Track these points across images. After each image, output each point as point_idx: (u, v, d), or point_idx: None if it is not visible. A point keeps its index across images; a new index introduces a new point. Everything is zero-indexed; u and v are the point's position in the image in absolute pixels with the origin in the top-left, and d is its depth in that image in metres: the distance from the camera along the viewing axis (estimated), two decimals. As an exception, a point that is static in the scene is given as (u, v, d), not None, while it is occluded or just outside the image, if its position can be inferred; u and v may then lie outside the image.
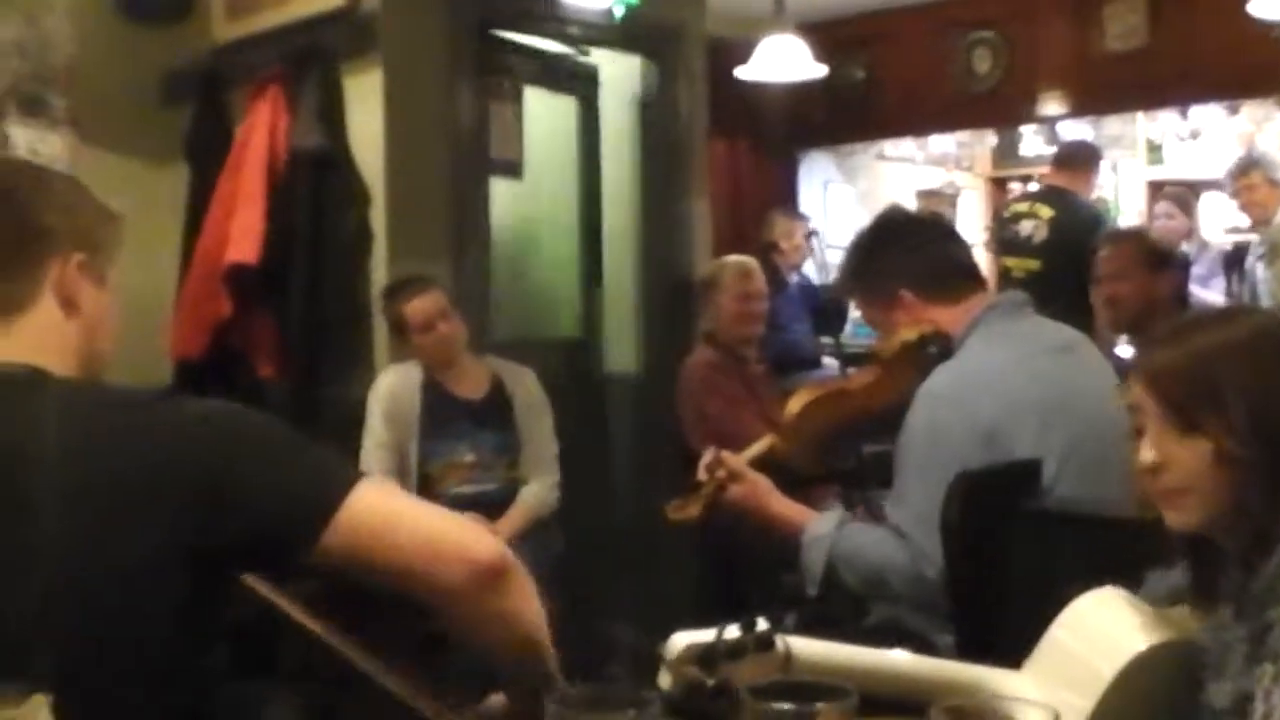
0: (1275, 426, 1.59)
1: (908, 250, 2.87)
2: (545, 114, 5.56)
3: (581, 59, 5.57)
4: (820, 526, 2.71)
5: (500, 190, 5.17)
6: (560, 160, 5.68)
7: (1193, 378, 1.65)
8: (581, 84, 5.66)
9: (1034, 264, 6.07)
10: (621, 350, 5.86)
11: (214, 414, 1.69)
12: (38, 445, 1.56)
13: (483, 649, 1.76)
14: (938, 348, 2.73)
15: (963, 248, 2.98)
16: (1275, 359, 1.65)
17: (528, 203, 5.47)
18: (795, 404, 2.85)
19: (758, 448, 2.81)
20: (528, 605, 1.73)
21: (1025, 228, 6.21)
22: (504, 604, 1.70)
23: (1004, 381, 2.62)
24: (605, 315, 5.77)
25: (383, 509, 1.67)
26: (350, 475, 1.67)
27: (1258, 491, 1.58)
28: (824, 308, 7.05)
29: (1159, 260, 4.51)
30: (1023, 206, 6.45)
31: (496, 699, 1.84)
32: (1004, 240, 6.43)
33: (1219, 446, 1.59)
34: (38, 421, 1.59)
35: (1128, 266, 4.48)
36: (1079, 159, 6.59)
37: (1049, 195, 6.44)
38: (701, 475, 2.78)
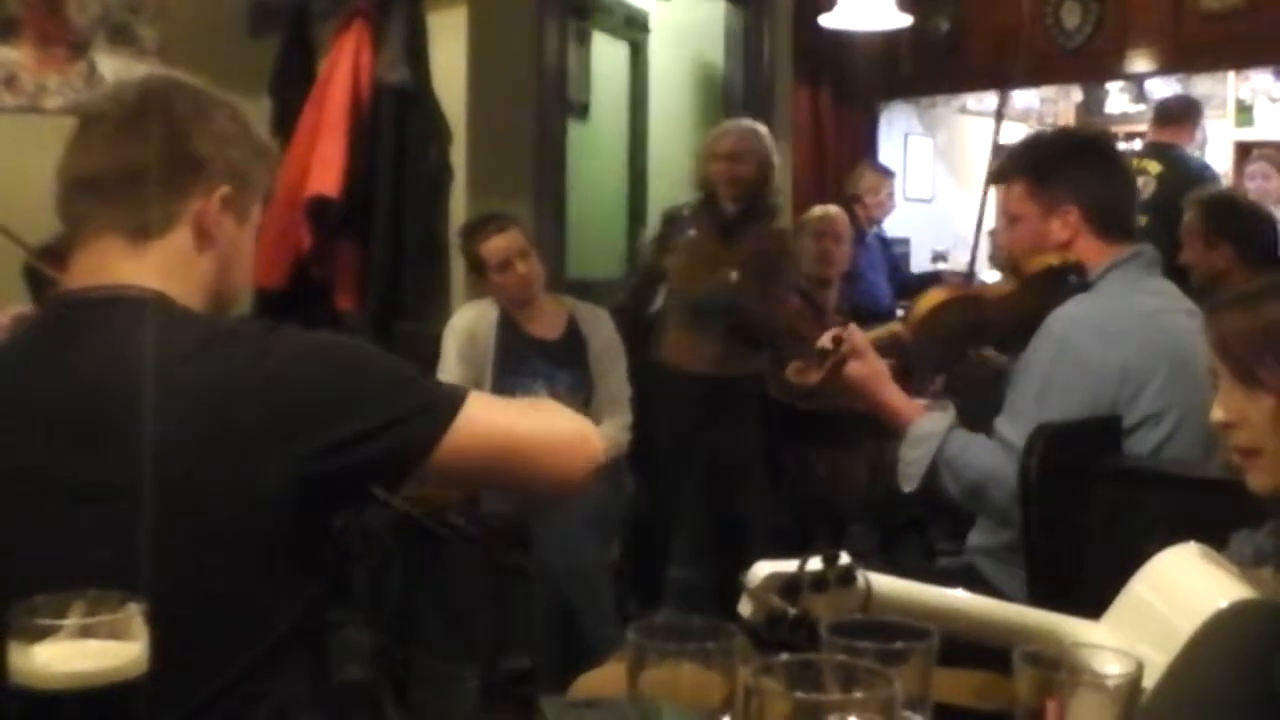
0: None
1: (1100, 176, 2.82)
2: (606, 57, 5.56)
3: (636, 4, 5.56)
4: (930, 425, 2.68)
5: (585, 130, 5.17)
6: (620, 103, 5.66)
7: (1255, 336, 1.64)
8: (636, 29, 5.64)
9: (1142, 219, 6.01)
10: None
11: (326, 344, 1.72)
12: (156, 368, 1.58)
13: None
14: (1077, 279, 2.70)
15: (1134, 195, 2.94)
16: None
17: (591, 145, 5.45)
18: (929, 301, 2.82)
19: (882, 331, 2.80)
20: None
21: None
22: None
23: (1146, 326, 2.61)
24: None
25: (496, 420, 1.75)
26: (459, 392, 1.73)
27: None
28: (898, 264, 7.08)
29: (1213, 232, 4.49)
30: (1130, 163, 6.38)
31: None
32: None
33: None
34: (157, 345, 1.60)
35: (1189, 237, 4.51)
36: (1182, 114, 6.51)
37: (1156, 151, 6.37)
38: (827, 344, 2.75)
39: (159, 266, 1.71)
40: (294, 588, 1.66)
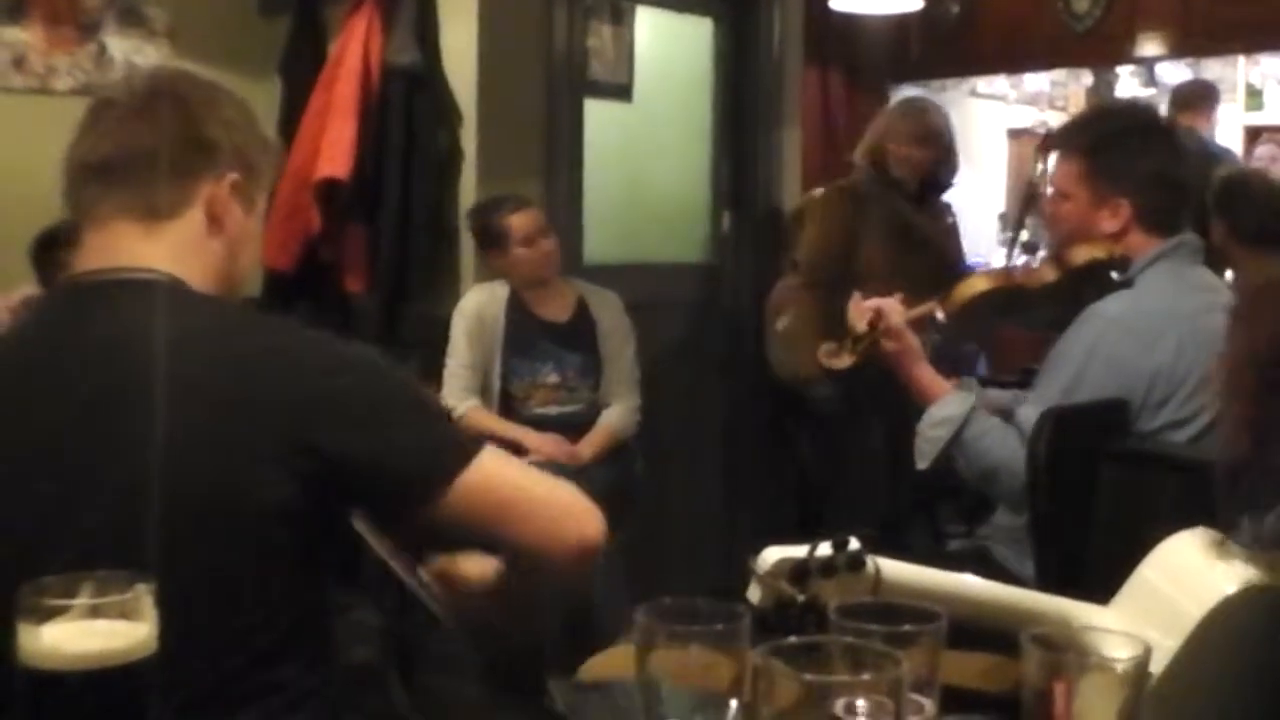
0: None
1: (1157, 169, 2.78)
2: (672, 36, 5.54)
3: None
4: (950, 408, 2.70)
5: (605, 112, 5.15)
6: (684, 83, 5.65)
7: None
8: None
9: None
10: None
11: (357, 357, 1.72)
12: (168, 350, 1.58)
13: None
14: (1120, 274, 2.69)
15: (1189, 187, 2.89)
16: None
17: (640, 126, 5.43)
18: (971, 287, 2.83)
19: (920, 310, 2.82)
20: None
21: None
22: (585, 567, 1.79)
23: (1184, 327, 2.59)
24: (729, 241, 5.76)
25: (500, 482, 1.73)
26: (473, 445, 1.72)
27: None
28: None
29: (1212, 208, 4.47)
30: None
31: (472, 562, 1.89)
32: None
33: None
34: (178, 330, 1.61)
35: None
36: (1199, 98, 6.51)
37: None
38: (860, 325, 2.76)
39: (171, 249, 1.72)
40: (304, 574, 1.67)
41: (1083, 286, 2.68)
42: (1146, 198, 2.72)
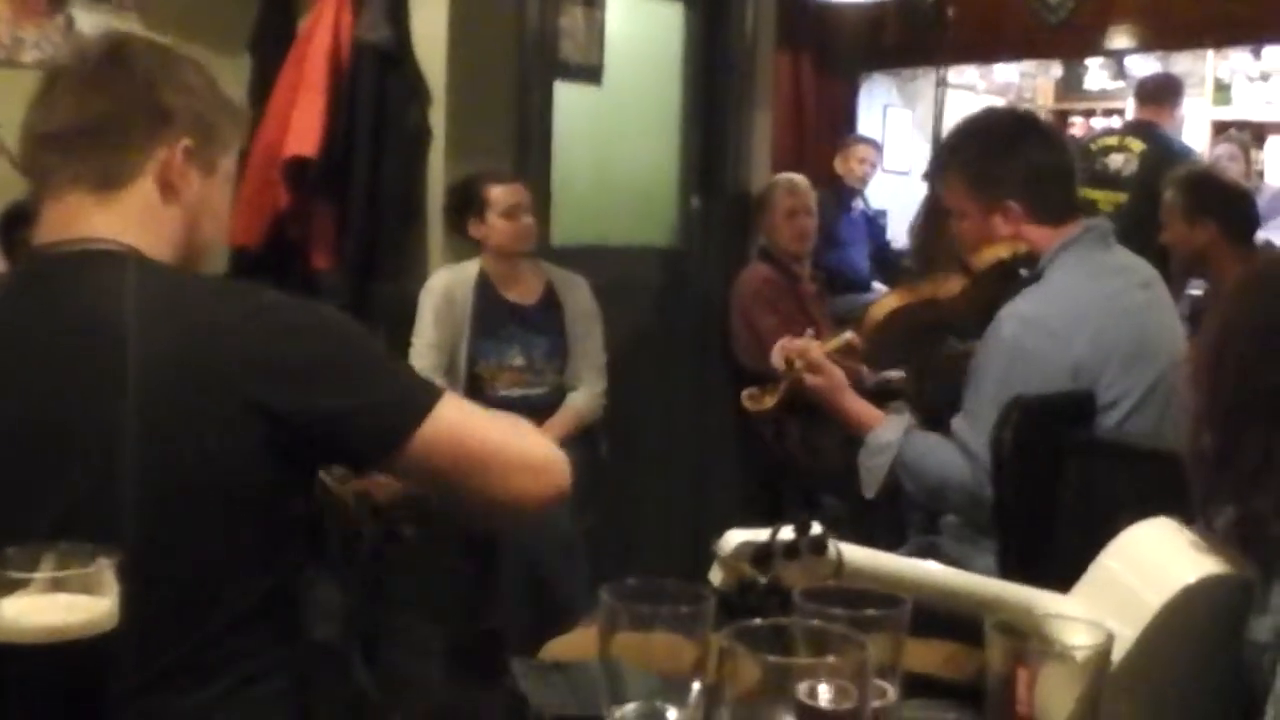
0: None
1: (1034, 161, 2.80)
2: (644, 19, 5.53)
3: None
4: (886, 433, 2.72)
5: (576, 95, 5.14)
6: (657, 66, 5.64)
7: None
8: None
9: (1121, 197, 6.03)
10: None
11: (316, 317, 1.71)
12: (130, 321, 1.58)
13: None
14: (1029, 270, 2.71)
15: (1073, 170, 2.92)
16: None
17: (610, 109, 5.42)
18: (882, 308, 2.85)
19: (837, 341, 2.83)
20: None
21: (1115, 161, 6.17)
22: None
23: (1097, 317, 2.60)
24: (698, 225, 5.75)
25: (467, 425, 1.73)
26: (434, 392, 1.72)
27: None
28: (883, 240, 7.15)
29: (1195, 210, 4.51)
30: (1112, 140, 6.40)
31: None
32: (1091, 173, 6.38)
33: None
34: (134, 300, 1.60)
35: (1169, 216, 4.53)
36: (1163, 93, 6.53)
37: (1139, 129, 6.40)
38: (779, 364, 2.78)
39: (126, 218, 1.71)
40: (267, 550, 1.67)
41: (994, 290, 2.70)
42: (1032, 193, 2.75)
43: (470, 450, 1.71)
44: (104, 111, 1.71)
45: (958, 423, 2.63)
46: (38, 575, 1.09)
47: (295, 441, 1.62)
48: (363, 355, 1.72)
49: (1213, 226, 4.49)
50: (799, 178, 5.62)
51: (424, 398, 1.70)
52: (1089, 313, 2.60)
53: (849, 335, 2.83)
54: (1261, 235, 6.14)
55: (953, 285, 2.85)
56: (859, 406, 2.80)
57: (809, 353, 2.76)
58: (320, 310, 1.76)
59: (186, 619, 1.58)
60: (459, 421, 1.71)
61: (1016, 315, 2.61)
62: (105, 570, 1.11)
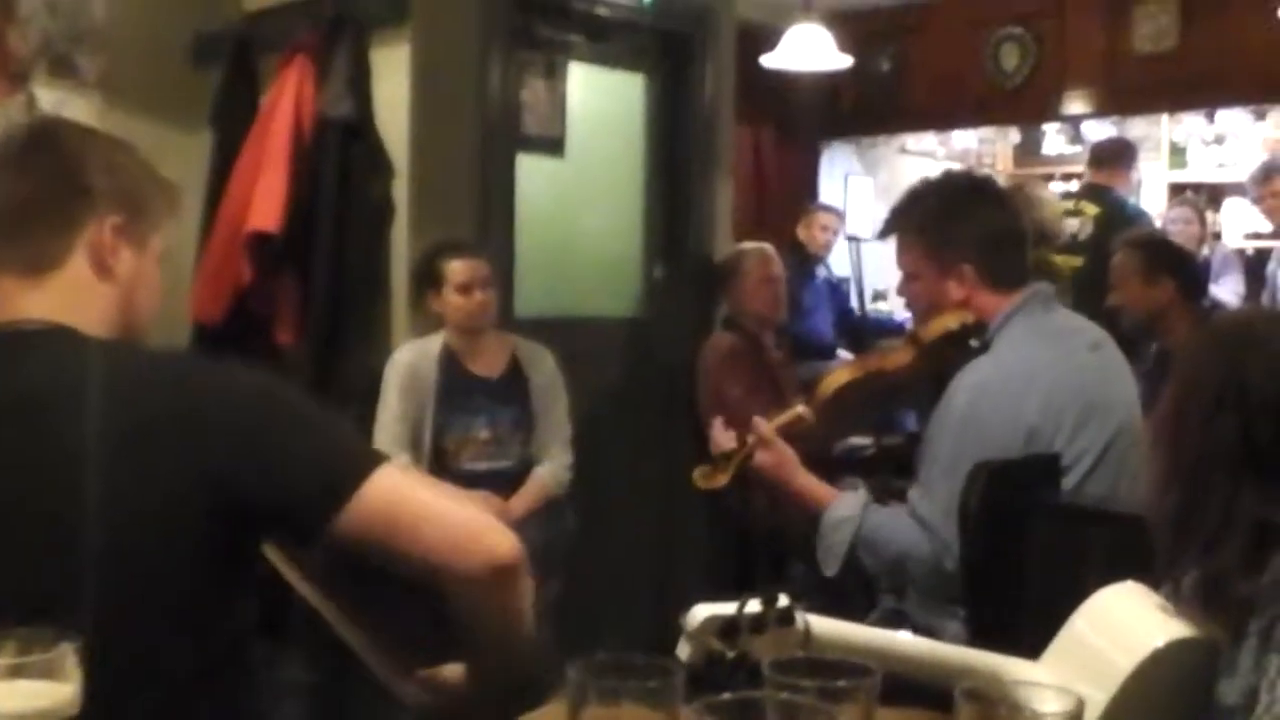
0: None
1: (989, 225, 2.81)
2: (604, 91, 5.57)
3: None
4: (844, 509, 2.70)
5: (538, 166, 5.17)
6: (618, 137, 5.68)
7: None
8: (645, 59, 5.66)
9: (1078, 260, 6.09)
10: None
11: (249, 380, 1.70)
12: (68, 397, 1.57)
13: (467, 637, 1.78)
14: (978, 340, 2.71)
15: (1026, 235, 2.93)
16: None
17: (573, 180, 5.45)
18: (832, 382, 2.83)
19: (786, 417, 2.81)
20: (526, 604, 1.78)
21: (1071, 225, 6.23)
22: (510, 600, 1.74)
23: (1047, 380, 2.60)
24: (661, 295, 5.77)
25: (404, 494, 1.69)
26: (374, 458, 1.69)
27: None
28: (848, 310, 7.19)
29: (1153, 270, 4.57)
30: (1068, 204, 6.47)
31: (453, 669, 1.86)
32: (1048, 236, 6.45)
33: None
34: (68, 374, 1.60)
35: (1124, 277, 4.59)
36: (1117, 157, 6.61)
37: (1093, 193, 6.47)
38: (730, 445, 2.77)
39: (59, 299, 1.70)
40: (215, 621, 1.65)
41: (943, 360, 2.71)
42: (986, 256, 2.76)
43: (408, 513, 1.67)
44: (28, 195, 1.72)
45: (914, 496, 2.62)
46: (-2, 661, 1.08)
47: (236, 507, 1.60)
48: (300, 418, 1.71)
49: (1170, 285, 4.55)
50: (769, 247, 5.64)
51: (368, 457, 1.68)
52: (1038, 376, 2.61)
53: (800, 409, 2.82)
54: (1214, 290, 6.25)
55: (901, 356, 2.85)
56: (812, 484, 2.77)
57: (758, 428, 2.75)
58: (257, 374, 1.74)
59: (136, 699, 1.55)
60: (397, 486, 1.69)
61: (968, 385, 2.61)
62: (67, 655, 1.10)
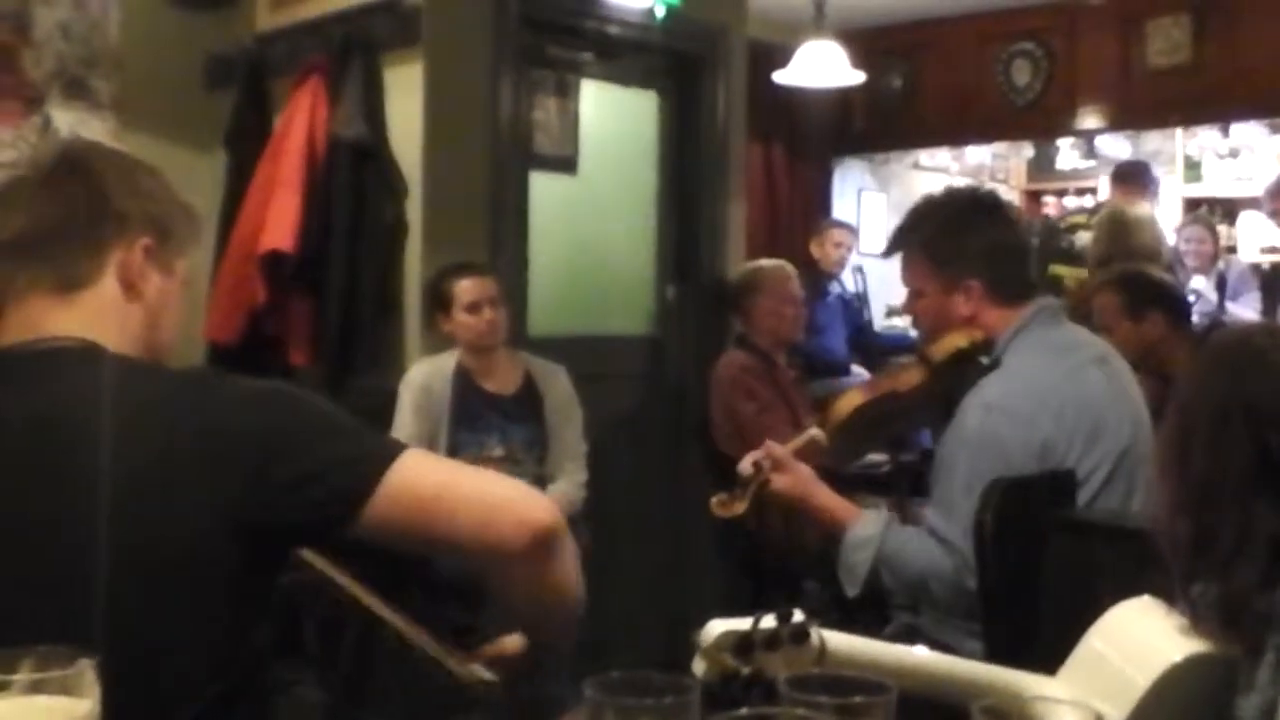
0: None
1: (994, 240, 2.81)
2: (616, 109, 5.59)
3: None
4: (867, 528, 2.69)
5: (551, 185, 5.19)
6: (630, 156, 5.68)
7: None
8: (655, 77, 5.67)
9: (1084, 273, 6.09)
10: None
11: (266, 391, 1.71)
12: (92, 416, 1.58)
13: (519, 612, 1.78)
14: (987, 357, 2.71)
15: (1029, 249, 2.93)
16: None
17: (585, 198, 5.46)
18: (847, 405, 2.83)
19: (801, 439, 2.80)
20: (574, 568, 1.78)
21: (1082, 238, 6.24)
22: (555, 566, 1.73)
23: (1058, 395, 2.61)
24: (674, 313, 5.76)
25: (431, 476, 1.70)
26: (394, 447, 1.69)
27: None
28: (862, 327, 7.17)
29: (1138, 306, 4.51)
30: (1081, 219, 6.49)
31: (512, 640, 1.86)
32: (1058, 249, 6.44)
33: None
34: (92, 393, 1.60)
35: (1112, 319, 4.52)
36: (1136, 179, 6.60)
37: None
38: (746, 469, 2.76)
39: (89, 317, 1.72)
40: (234, 642, 1.65)
41: (954, 379, 2.71)
42: (992, 271, 2.76)
43: (436, 500, 1.67)
44: (59, 214, 1.73)
45: (931, 516, 2.62)
46: (17, 678, 1.08)
47: (261, 525, 1.60)
48: (319, 418, 1.71)
49: (1159, 318, 4.49)
50: (788, 265, 5.63)
51: (386, 450, 1.68)
52: (1050, 392, 2.61)
53: (814, 432, 2.82)
54: (1232, 308, 6.23)
55: (912, 376, 2.85)
56: (833, 501, 2.76)
57: (774, 452, 2.74)
58: (274, 386, 1.75)
59: (156, 716, 1.55)
60: (423, 473, 1.68)
61: (980, 404, 2.61)
62: (86, 672, 1.10)
